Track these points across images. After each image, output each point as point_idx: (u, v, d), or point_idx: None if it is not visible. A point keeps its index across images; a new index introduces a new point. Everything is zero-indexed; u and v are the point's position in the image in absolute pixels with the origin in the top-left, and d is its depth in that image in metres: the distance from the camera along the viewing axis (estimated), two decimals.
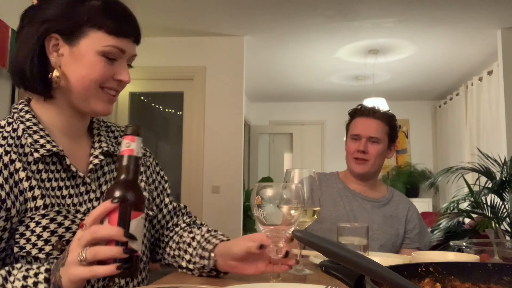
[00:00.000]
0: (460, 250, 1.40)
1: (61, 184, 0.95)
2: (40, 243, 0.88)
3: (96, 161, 1.01)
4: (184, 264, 1.10)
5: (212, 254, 1.04)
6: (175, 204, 1.20)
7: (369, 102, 4.24)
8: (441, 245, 3.21)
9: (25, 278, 0.80)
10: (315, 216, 1.16)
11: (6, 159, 0.89)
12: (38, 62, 0.93)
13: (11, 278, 0.81)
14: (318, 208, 1.15)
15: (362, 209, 1.80)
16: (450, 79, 5.95)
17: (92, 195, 0.99)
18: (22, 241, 0.89)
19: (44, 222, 0.89)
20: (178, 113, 4.69)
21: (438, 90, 6.56)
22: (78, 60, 0.93)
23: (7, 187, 0.87)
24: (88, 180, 0.99)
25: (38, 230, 0.88)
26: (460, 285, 0.60)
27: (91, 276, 0.76)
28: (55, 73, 0.93)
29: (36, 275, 0.80)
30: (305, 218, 1.16)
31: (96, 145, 1.04)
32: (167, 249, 1.15)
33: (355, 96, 6.12)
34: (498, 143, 4.51)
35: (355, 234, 1.15)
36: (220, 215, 4.28)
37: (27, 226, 0.89)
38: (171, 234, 1.16)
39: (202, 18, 4.09)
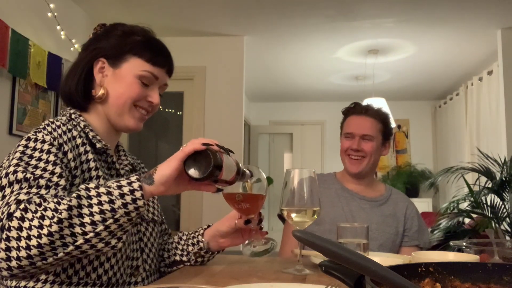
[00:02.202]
0: (460, 250, 1.40)
1: (105, 176, 1.11)
2: None
3: (127, 168, 1.21)
4: (177, 258, 1.26)
5: (204, 239, 1.24)
6: (166, 226, 1.37)
7: (369, 102, 4.23)
8: (441, 245, 3.20)
9: (118, 184, 0.92)
10: (315, 216, 1.16)
11: (79, 141, 1.07)
12: (84, 79, 1.13)
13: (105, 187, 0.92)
14: (317, 208, 1.15)
15: (360, 209, 1.79)
16: (450, 79, 5.95)
17: None
18: None
19: None
20: (178, 113, 4.69)
21: (438, 90, 6.56)
22: (119, 80, 1.12)
23: (78, 161, 1.04)
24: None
25: None
26: (460, 285, 0.60)
27: (182, 152, 0.93)
28: (101, 90, 1.12)
29: (128, 179, 0.93)
30: (305, 218, 1.16)
31: (123, 158, 1.24)
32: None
33: (355, 96, 6.11)
34: (498, 143, 4.51)
35: (355, 234, 1.15)
36: (220, 215, 4.26)
37: None
38: (159, 247, 1.30)
39: (202, 18, 4.09)
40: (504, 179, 3.45)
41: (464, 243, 1.17)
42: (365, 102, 2.03)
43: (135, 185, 0.91)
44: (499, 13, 3.87)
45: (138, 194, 0.90)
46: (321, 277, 1.03)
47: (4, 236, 0.84)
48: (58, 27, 3.29)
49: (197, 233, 1.27)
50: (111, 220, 0.87)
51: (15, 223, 0.84)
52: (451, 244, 1.40)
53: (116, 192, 0.89)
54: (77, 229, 0.85)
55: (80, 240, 0.85)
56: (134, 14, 3.92)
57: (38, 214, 0.84)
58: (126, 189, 0.90)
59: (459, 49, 4.77)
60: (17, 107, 2.95)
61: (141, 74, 1.12)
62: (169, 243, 1.30)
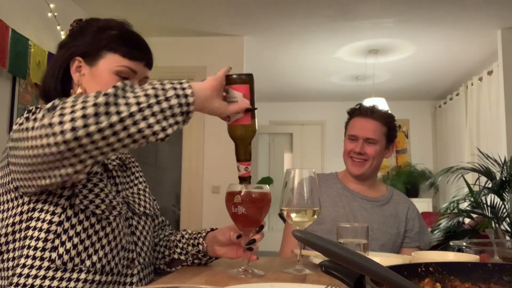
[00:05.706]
0: (460, 250, 1.40)
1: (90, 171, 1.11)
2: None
3: (114, 163, 1.18)
4: (176, 256, 1.25)
5: (204, 241, 1.22)
6: (163, 218, 1.36)
7: (369, 102, 4.22)
8: (441, 245, 3.20)
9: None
10: (315, 216, 1.16)
11: None
12: (62, 79, 1.11)
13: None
14: (317, 208, 1.15)
15: (362, 209, 1.79)
16: (450, 79, 5.96)
17: (114, 188, 1.16)
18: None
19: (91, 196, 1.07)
20: None
21: (438, 90, 6.56)
22: (96, 79, 1.09)
23: None
24: (114, 174, 1.16)
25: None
26: (460, 285, 0.60)
27: (221, 72, 1.00)
28: (79, 90, 1.10)
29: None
30: (304, 218, 1.16)
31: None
32: (156, 254, 1.29)
33: (355, 96, 6.12)
34: (498, 143, 4.51)
35: (355, 234, 1.15)
36: (220, 215, 4.27)
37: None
38: (160, 243, 1.30)
39: (202, 18, 4.09)
40: (504, 179, 3.45)
41: (464, 243, 1.17)
42: (365, 102, 2.02)
43: (185, 85, 0.92)
44: (499, 13, 3.87)
45: (188, 91, 0.92)
46: (321, 277, 1.03)
47: (51, 114, 0.83)
48: (58, 27, 3.29)
49: (199, 235, 1.25)
50: (162, 97, 0.88)
51: (68, 102, 0.84)
52: (451, 244, 1.40)
53: (167, 84, 0.90)
54: (130, 98, 0.85)
55: (134, 108, 0.84)
56: (134, 14, 3.92)
57: (91, 97, 0.85)
58: (176, 84, 0.91)
59: (459, 49, 4.77)
60: (17, 107, 2.95)
61: (118, 69, 1.09)
62: (171, 240, 1.29)
